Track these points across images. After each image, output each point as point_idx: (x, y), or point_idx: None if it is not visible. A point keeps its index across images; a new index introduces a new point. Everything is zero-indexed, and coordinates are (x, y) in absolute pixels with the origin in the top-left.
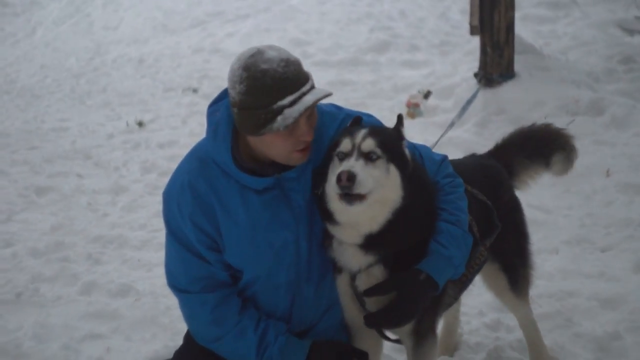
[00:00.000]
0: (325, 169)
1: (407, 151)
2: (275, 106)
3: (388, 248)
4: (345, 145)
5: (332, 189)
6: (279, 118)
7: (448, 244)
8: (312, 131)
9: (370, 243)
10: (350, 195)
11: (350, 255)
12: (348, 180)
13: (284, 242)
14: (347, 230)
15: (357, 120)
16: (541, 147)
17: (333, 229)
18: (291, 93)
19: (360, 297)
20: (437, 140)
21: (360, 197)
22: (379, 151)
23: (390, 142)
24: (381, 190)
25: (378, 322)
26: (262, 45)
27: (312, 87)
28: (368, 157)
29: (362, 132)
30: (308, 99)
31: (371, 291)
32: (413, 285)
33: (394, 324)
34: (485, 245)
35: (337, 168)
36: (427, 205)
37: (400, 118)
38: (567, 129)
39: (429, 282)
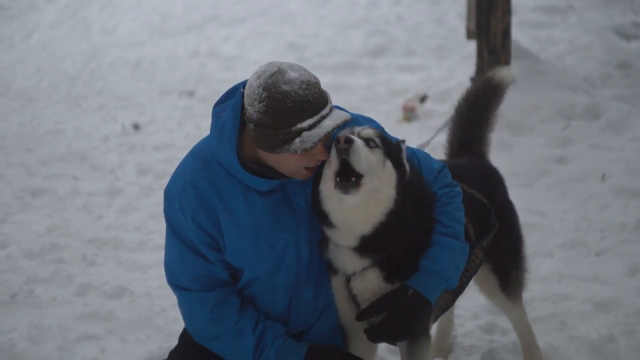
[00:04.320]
0: (321, 168)
1: (405, 162)
2: (294, 128)
3: (382, 253)
4: (344, 133)
5: (327, 180)
6: (297, 140)
7: (438, 258)
8: (326, 151)
9: (365, 246)
10: (345, 183)
11: (345, 258)
12: (346, 142)
13: (285, 244)
14: (342, 232)
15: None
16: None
17: (329, 231)
18: (311, 116)
19: (355, 298)
20: (428, 140)
21: (356, 185)
22: (378, 141)
23: (390, 143)
24: (375, 181)
25: (379, 336)
26: (283, 63)
27: (332, 109)
28: (366, 142)
29: (363, 125)
30: (327, 124)
31: (363, 314)
32: (402, 302)
33: (394, 339)
34: (481, 245)
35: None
36: (423, 215)
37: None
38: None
39: (418, 297)
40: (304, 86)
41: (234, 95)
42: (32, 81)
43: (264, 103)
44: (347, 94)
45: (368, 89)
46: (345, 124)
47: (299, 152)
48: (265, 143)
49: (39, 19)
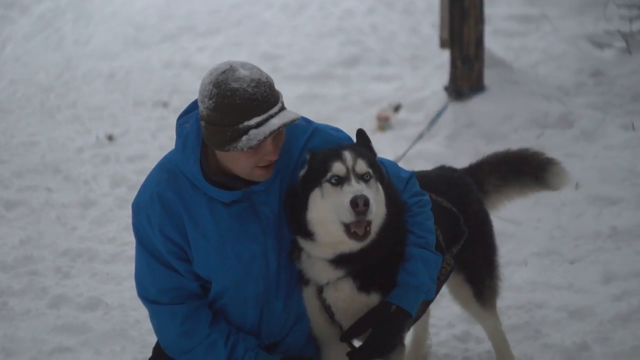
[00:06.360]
0: (305, 194)
1: (381, 166)
2: (241, 126)
3: (358, 264)
4: (339, 169)
5: (332, 214)
6: (244, 138)
7: (416, 271)
8: (277, 151)
9: (341, 258)
10: (362, 235)
11: (319, 268)
12: (365, 205)
13: (252, 254)
14: (323, 247)
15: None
16: (519, 168)
17: (305, 244)
18: (258, 114)
19: (328, 308)
20: (404, 152)
21: (369, 230)
22: (370, 171)
23: (372, 159)
24: (375, 210)
25: (363, 357)
26: (236, 61)
27: (282, 109)
28: (363, 178)
29: (350, 154)
30: (274, 123)
31: (348, 334)
32: (385, 318)
33: (378, 356)
34: (452, 253)
35: (335, 193)
36: (396, 223)
37: (362, 133)
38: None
39: (401, 312)
40: (253, 84)
41: (198, 107)
42: (5, 93)
43: (214, 100)
44: (322, 104)
45: (342, 99)
46: (292, 123)
47: (245, 150)
48: (215, 141)
49: (12, 31)
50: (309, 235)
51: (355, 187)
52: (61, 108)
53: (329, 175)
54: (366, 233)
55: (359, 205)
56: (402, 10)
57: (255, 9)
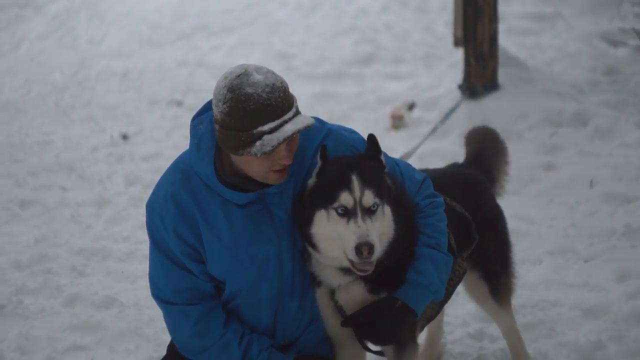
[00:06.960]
0: (312, 208)
1: (387, 179)
2: (255, 131)
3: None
4: (346, 200)
5: (336, 239)
6: (258, 143)
7: (426, 271)
8: (291, 155)
9: (348, 268)
10: (366, 271)
11: (329, 273)
12: (369, 253)
13: (266, 255)
14: (329, 259)
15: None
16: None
17: (313, 252)
18: (272, 120)
19: (341, 309)
20: (414, 147)
21: (374, 263)
22: (377, 201)
23: (380, 184)
24: (381, 232)
25: (354, 323)
26: (251, 65)
27: (296, 114)
28: (369, 210)
29: (358, 184)
30: (288, 129)
31: (349, 321)
32: (389, 313)
33: (375, 343)
34: (462, 257)
35: (341, 225)
36: (407, 227)
37: (373, 140)
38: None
39: (405, 309)
40: (267, 89)
41: (212, 107)
42: (20, 92)
43: (228, 104)
44: (336, 103)
45: (356, 97)
46: (307, 129)
47: (259, 155)
48: (228, 144)
49: (27, 30)
50: (314, 246)
51: (361, 229)
52: (76, 107)
53: (336, 204)
54: (368, 268)
55: (364, 253)
56: (416, 8)
57: (269, 8)
